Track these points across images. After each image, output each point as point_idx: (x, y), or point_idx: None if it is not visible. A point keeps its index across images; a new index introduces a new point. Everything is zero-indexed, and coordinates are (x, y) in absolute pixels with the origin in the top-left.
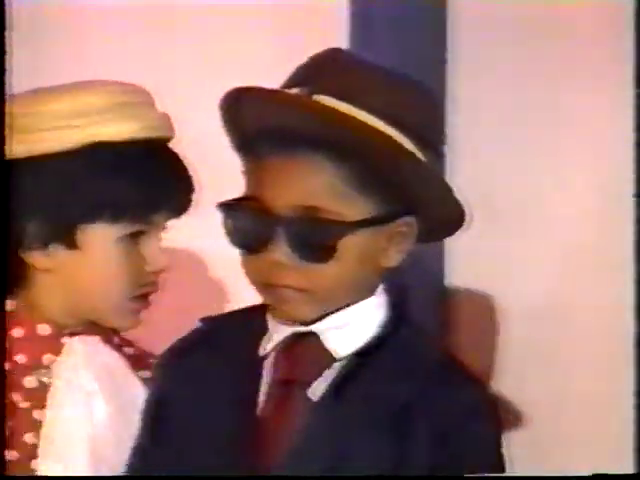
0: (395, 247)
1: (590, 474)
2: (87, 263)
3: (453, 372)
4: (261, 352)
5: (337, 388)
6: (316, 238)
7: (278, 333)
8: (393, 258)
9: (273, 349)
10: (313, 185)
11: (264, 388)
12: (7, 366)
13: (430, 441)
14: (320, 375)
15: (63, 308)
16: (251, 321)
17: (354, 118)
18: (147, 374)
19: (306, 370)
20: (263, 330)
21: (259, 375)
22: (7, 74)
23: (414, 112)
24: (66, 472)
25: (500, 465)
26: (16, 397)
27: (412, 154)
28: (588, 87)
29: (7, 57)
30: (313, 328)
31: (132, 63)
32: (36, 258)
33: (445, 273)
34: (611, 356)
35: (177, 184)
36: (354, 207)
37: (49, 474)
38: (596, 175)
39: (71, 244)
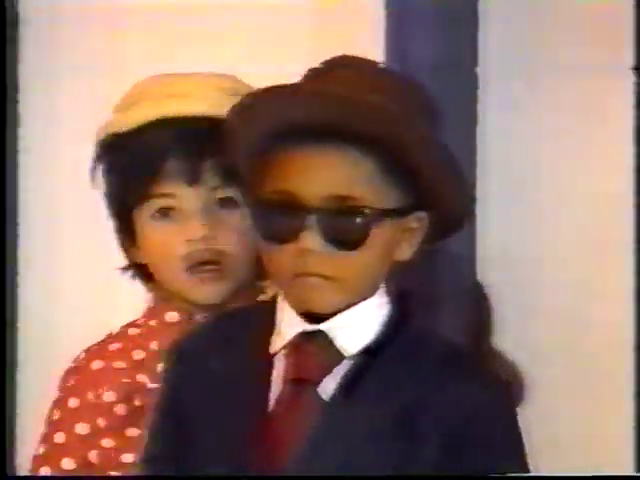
0: (407, 241)
1: (590, 474)
2: (141, 245)
3: (461, 369)
4: (271, 350)
5: (347, 386)
6: (349, 226)
7: (286, 331)
8: (406, 252)
9: (282, 347)
10: (343, 175)
11: (275, 386)
12: (143, 355)
13: (440, 439)
14: (330, 373)
15: (166, 292)
16: (260, 317)
17: (384, 107)
18: None
19: (316, 368)
20: (271, 327)
21: (269, 373)
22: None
23: (424, 108)
24: None
25: (518, 461)
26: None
27: (438, 142)
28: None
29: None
30: (321, 327)
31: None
32: (129, 253)
33: (477, 269)
34: (611, 356)
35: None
36: (381, 197)
37: None
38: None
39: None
